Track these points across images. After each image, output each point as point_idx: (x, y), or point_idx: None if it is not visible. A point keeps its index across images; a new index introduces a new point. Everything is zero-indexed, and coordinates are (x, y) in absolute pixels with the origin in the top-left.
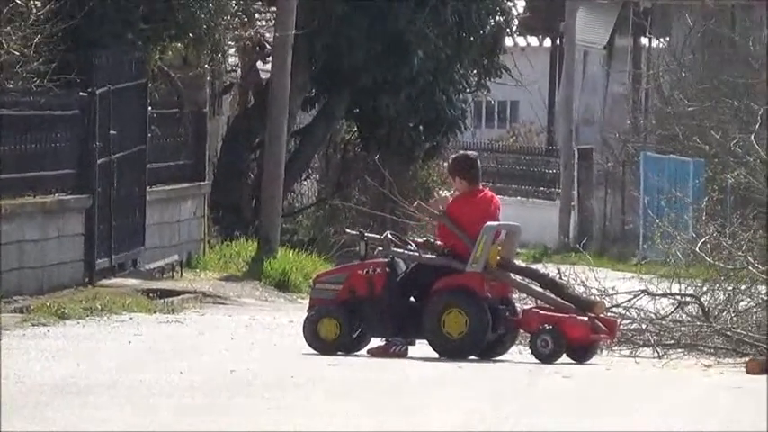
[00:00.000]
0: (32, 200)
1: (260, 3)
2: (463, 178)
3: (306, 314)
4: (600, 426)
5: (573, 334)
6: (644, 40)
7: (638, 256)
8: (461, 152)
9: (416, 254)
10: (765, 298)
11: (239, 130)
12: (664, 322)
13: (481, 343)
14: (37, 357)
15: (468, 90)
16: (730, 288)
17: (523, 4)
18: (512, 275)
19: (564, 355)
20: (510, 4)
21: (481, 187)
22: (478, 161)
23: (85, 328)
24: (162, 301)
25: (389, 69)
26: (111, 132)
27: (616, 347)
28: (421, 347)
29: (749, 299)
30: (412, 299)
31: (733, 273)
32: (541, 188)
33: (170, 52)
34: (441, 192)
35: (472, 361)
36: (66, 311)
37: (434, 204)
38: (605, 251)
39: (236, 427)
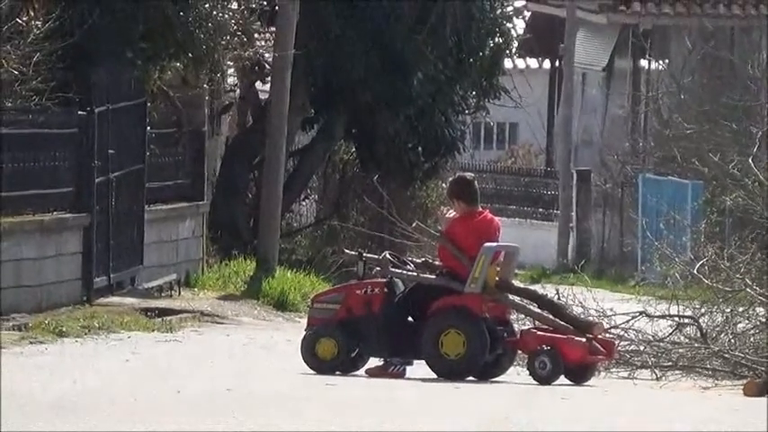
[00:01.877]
0: (31, 218)
1: (259, 23)
2: (461, 200)
3: (304, 333)
4: None
5: (571, 355)
6: (643, 62)
7: (637, 277)
8: (459, 174)
9: (415, 274)
10: (763, 320)
11: (238, 150)
12: (662, 344)
13: (479, 364)
14: (35, 375)
15: (467, 111)
16: (728, 310)
17: (523, 25)
18: (510, 296)
19: (562, 376)
20: (509, 25)
21: (481, 209)
22: (476, 182)
23: (83, 346)
24: (160, 319)
25: (388, 90)
26: (110, 151)
27: (614, 369)
28: (419, 368)
29: (747, 321)
30: (410, 319)
31: (731, 295)
32: (540, 209)
33: (169, 72)
34: (446, 209)
35: (470, 382)
36: (65, 329)
37: (440, 219)
38: (603, 273)
39: None
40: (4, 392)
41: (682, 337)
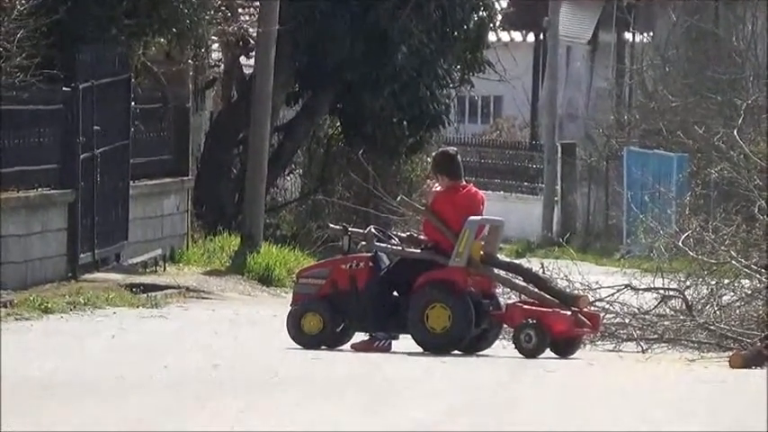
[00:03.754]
0: (15, 194)
1: None
2: (445, 174)
3: (289, 309)
4: (583, 421)
5: (556, 328)
6: (628, 35)
7: (622, 250)
8: (441, 149)
9: (400, 248)
10: (748, 292)
11: (222, 125)
12: (647, 317)
13: (464, 337)
14: (20, 352)
15: (451, 85)
16: (713, 282)
17: None
18: (495, 270)
19: (547, 349)
20: None
21: (464, 182)
22: (459, 156)
23: (69, 322)
24: (145, 295)
25: (373, 65)
26: (95, 127)
27: (599, 342)
28: (404, 342)
29: (732, 293)
30: (395, 293)
31: (716, 267)
32: (525, 183)
33: (153, 47)
34: (432, 183)
35: (456, 355)
36: (50, 306)
37: (427, 193)
38: (589, 246)
39: (220, 425)
40: None
41: (667, 310)
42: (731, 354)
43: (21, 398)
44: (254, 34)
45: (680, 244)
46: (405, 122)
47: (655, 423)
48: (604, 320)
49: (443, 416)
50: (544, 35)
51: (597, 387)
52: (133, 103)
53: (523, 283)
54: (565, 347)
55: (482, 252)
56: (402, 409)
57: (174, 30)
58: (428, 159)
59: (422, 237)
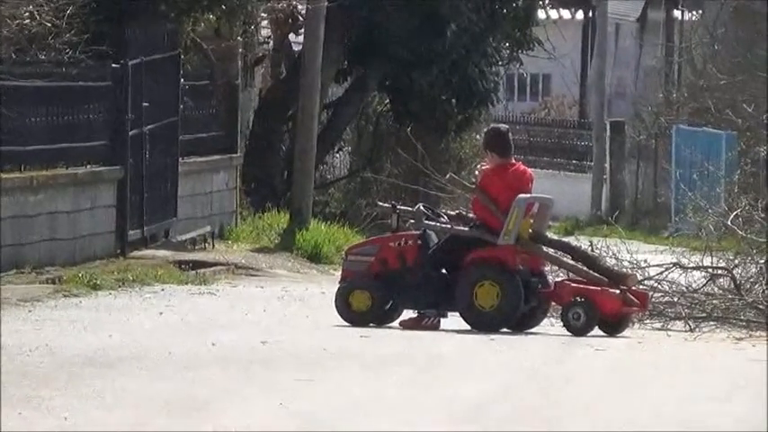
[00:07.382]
0: (64, 171)
1: None
2: (494, 151)
3: (338, 286)
4: (633, 399)
5: (605, 307)
6: (677, 13)
7: (670, 229)
8: (493, 125)
9: (448, 226)
10: None
11: (271, 102)
12: (695, 295)
13: (513, 315)
14: (69, 328)
15: (500, 63)
16: (762, 261)
17: None
18: (544, 248)
19: (596, 327)
20: None
21: (513, 160)
22: (510, 134)
23: (117, 299)
24: (194, 272)
25: (422, 43)
26: (144, 104)
27: (648, 320)
28: (453, 320)
29: None
30: (444, 271)
31: (765, 246)
32: (573, 161)
33: (202, 24)
34: (483, 164)
35: (504, 333)
36: (99, 282)
37: (478, 172)
38: (637, 224)
39: (267, 401)
40: (39, 345)
41: (715, 289)
42: None
43: (68, 373)
44: (303, 11)
45: (729, 222)
46: (453, 100)
47: (702, 401)
48: (653, 299)
49: (492, 394)
50: (593, 13)
51: (646, 365)
52: (182, 80)
53: (572, 261)
54: (613, 326)
55: (531, 230)
56: (450, 386)
57: (224, 6)
58: (477, 137)
59: (470, 215)
